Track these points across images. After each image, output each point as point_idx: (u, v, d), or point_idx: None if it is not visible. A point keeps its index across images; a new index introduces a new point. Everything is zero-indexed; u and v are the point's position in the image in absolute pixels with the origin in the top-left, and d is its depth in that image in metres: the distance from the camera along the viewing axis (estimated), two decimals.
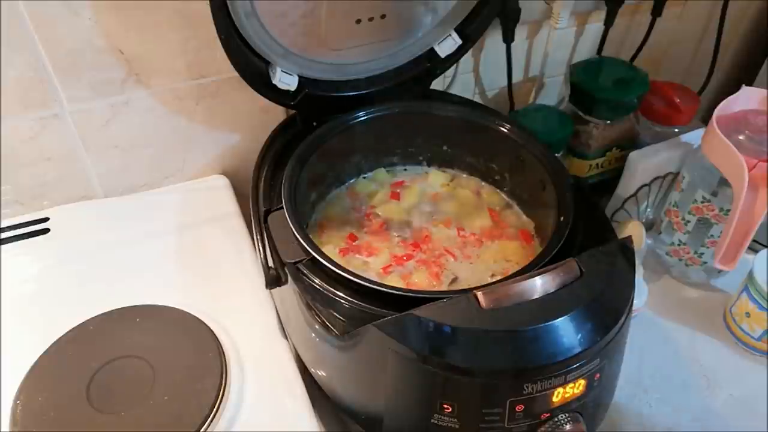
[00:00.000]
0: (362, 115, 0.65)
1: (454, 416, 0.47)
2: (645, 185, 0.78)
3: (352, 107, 0.65)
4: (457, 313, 0.45)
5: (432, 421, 0.48)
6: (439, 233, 0.64)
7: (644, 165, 0.77)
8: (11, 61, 0.60)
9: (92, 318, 0.58)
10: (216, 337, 0.57)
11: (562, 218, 0.56)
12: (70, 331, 0.57)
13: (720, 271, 0.76)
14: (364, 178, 0.71)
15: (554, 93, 0.91)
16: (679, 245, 0.75)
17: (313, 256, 0.51)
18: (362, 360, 0.50)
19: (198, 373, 0.54)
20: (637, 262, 0.66)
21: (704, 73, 0.90)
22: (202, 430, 0.51)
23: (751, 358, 0.70)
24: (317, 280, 0.51)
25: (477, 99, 0.87)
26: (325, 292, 0.50)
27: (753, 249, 0.72)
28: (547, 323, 0.44)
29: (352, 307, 0.49)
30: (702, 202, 0.69)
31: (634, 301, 0.51)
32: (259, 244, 0.55)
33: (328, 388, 0.56)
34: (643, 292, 0.70)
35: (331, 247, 0.62)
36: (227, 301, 0.62)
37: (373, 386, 0.51)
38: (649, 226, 0.81)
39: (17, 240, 0.68)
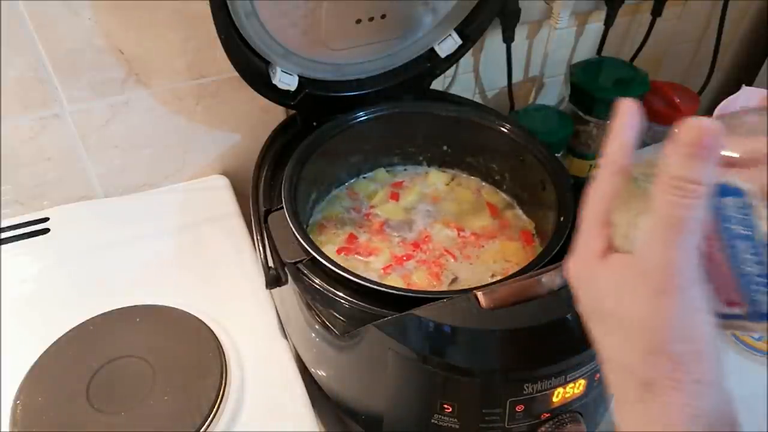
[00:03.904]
0: (362, 115, 0.65)
1: (454, 416, 0.47)
2: None
3: (352, 107, 0.65)
4: (457, 313, 0.45)
5: (432, 421, 0.48)
6: (439, 233, 0.64)
7: None
8: (11, 61, 0.60)
9: (92, 318, 0.58)
10: (216, 337, 0.57)
11: (562, 218, 0.56)
12: (70, 331, 0.57)
13: None
14: (364, 178, 0.71)
15: (554, 93, 0.91)
16: None
17: (313, 256, 0.51)
18: (362, 360, 0.50)
19: (198, 373, 0.54)
20: None
21: (704, 73, 0.90)
22: (202, 430, 0.51)
23: (751, 358, 0.70)
24: (317, 280, 0.51)
25: (477, 99, 0.87)
26: (325, 292, 0.50)
27: None
28: (547, 323, 0.44)
29: (352, 307, 0.49)
30: None
31: None
32: (259, 244, 0.55)
33: (328, 388, 0.56)
34: None
35: (331, 247, 0.62)
36: (227, 301, 0.62)
37: (373, 386, 0.51)
38: None
39: (17, 240, 0.68)
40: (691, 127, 0.25)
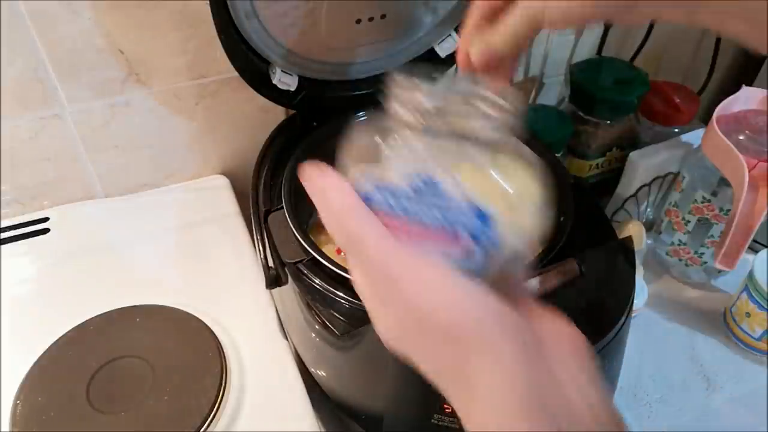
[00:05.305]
0: (362, 115, 0.65)
1: (454, 416, 0.47)
2: (645, 185, 0.78)
3: (352, 107, 0.65)
4: None
5: (432, 421, 0.48)
6: None
7: (644, 165, 0.77)
8: (11, 61, 0.60)
9: (92, 318, 0.58)
10: (216, 337, 0.57)
11: (562, 218, 0.56)
12: (70, 331, 0.57)
13: (720, 271, 0.76)
14: None
15: (554, 93, 0.91)
16: (679, 245, 0.75)
17: (313, 256, 0.51)
18: (362, 360, 0.50)
19: (198, 373, 0.54)
20: (637, 262, 0.66)
21: (704, 73, 0.90)
22: (202, 430, 0.51)
23: (751, 358, 0.70)
24: (317, 280, 0.51)
25: None
26: (325, 292, 0.50)
27: (753, 249, 0.72)
28: None
29: (352, 307, 0.49)
30: (702, 202, 0.69)
31: (634, 301, 0.51)
32: (259, 244, 0.55)
33: (328, 388, 0.56)
34: (643, 292, 0.70)
35: (331, 247, 0.62)
36: (227, 301, 0.62)
37: (373, 386, 0.51)
38: (649, 226, 0.81)
39: (17, 240, 0.68)
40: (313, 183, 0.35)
